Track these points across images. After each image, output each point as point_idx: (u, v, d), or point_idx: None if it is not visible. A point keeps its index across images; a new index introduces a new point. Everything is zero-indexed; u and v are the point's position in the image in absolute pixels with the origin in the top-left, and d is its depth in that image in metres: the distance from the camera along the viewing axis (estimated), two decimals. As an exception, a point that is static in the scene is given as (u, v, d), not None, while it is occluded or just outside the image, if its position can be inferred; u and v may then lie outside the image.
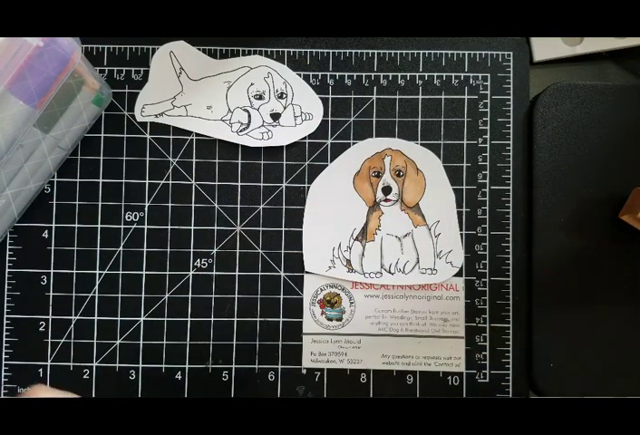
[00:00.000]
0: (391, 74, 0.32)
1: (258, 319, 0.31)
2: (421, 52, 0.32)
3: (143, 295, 0.31)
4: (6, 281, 0.31)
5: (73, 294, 0.31)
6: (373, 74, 0.32)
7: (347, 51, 0.32)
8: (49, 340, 0.31)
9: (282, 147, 0.32)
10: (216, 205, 0.32)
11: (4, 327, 0.31)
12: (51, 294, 0.31)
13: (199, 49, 0.32)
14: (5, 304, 0.31)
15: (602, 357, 0.30)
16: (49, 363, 0.31)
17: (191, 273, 0.31)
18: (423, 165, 0.32)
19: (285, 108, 0.32)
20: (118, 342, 0.31)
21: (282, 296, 0.31)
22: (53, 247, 0.31)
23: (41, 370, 0.31)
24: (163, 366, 0.31)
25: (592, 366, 0.30)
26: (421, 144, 0.32)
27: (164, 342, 0.31)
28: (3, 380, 0.31)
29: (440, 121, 0.32)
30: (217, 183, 0.32)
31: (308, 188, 0.32)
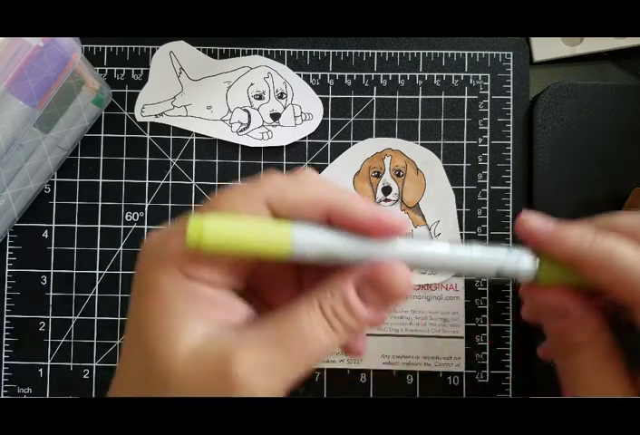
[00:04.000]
0: (391, 74, 0.32)
1: (258, 319, 0.31)
2: (421, 52, 0.32)
3: (143, 295, 0.31)
4: (6, 281, 0.31)
5: (73, 294, 0.31)
6: (372, 74, 0.32)
7: (347, 51, 0.32)
8: (49, 340, 0.31)
9: (282, 147, 0.32)
10: (216, 205, 0.32)
11: (5, 327, 0.31)
12: (51, 294, 0.31)
13: (199, 49, 0.32)
14: (5, 304, 0.31)
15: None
16: (49, 363, 0.31)
17: (191, 273, 0.31)
18: (423, 165, 0.31)
19: (285, 108, 0.32)
20: (118, 342, 0.31)
21: (282, 296, 0.31)
22: (53, 247, 0.31)
23: (41, 370, 0.31)
24: (163, 366, 0.31)
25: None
26: (421, 144, 0.32)
27: (164, 342, 0.31)
28: (3, 380, 0.31)
29: (440, 121, 0.32)
30: (217, 183, 0.32)
31: (308, 188, 0.31)
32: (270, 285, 0.21)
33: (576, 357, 0.19)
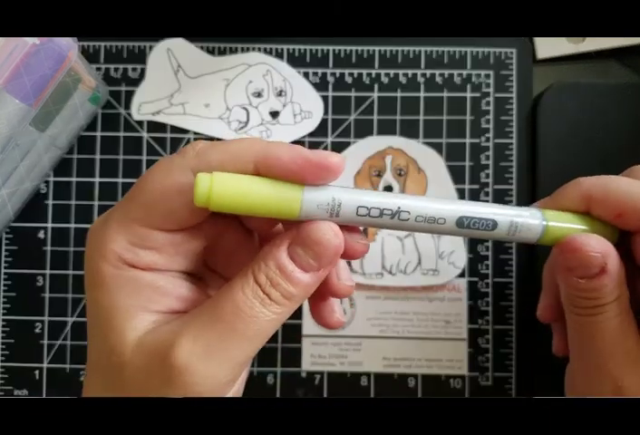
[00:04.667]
0: (392, 72, 0.31)
1: (257, 321, 0.31)
2: (422, 49, 0.31)
3: (140, 297, 0.31)
4: (2, 282, 0.31)
5: (70, 296, 0.31)
6: (373, 72, 0.31)
7: (348, 48, 0.31)
8: (45, 341, 0.31)
9: (281, 146, 0.31)
10: (214, 205, 0.31)
11: (0, 328, 0.31)
12: (47, 295, 0.31)
13: (197, 46, 0.31)
14: (1, 306, 0.31)
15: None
16: (45, 365, 0.31)
17: (189, 274, 0.31)
18: (425, 164, 0.31)
19: (284, 106, 0.31)
20: (115, 344, 0.31)
21: (281, 298, 0.31)
22: (49, 248, 0.31)
23: (37, 372, 0.30)
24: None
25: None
26: (423, 142, 0.31)
27: (162, 344, 0.31)
28: (-2, 382, 0.31)
29: (442, 120, 0.31)
30: (215, 182, 0.31)
31: (308, 187, 0.31)
32: (229, 264, 0.20)
33: (601, 315, 0.19)
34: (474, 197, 0.31)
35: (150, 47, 0.31)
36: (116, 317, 0.17)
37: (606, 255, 0.19)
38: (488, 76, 0.31)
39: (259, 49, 0.31)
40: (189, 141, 0.31)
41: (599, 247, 0.19)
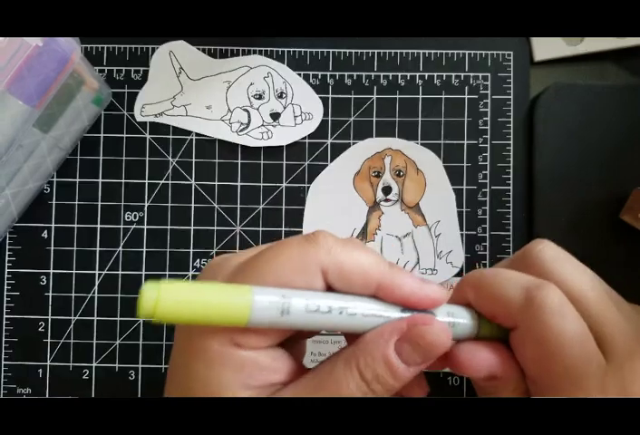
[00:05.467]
0: (391, 74, 0.32)
1: (258, 319, 0.31)
2: (421, 51, 0.32)
3: (143, 296, 0.31)
4: (6, 281, 0.31)
5: (73, 295, 0.31)
6: (373, 74, 0.32)
7: (347, 50, 0.32)
8: (48, 340, 0.31)
9: (282, 147, 0.32)
10: (215, 205, 0.32)
11: (4, 327, 0.31)
12: (50, 294, 0.31)
13: (199, 48, 0.32)
14: (5, 305, 0.31)
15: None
16: (48, 364, 0.31)
17: (191, 273, 0.31)
18: (423, 165, 0.31)
19: (284, 108, 0.31)
20: (117, 342, 0.31)
21: (282, 297, 0.31)
22: (52, 247, 0.31)
23: (40, 370, 0.31)
24: (162, 366, 0.31)
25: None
26: (422, 144, 0.31)
27: (164, 342, 0.31)
28: (2, 380, 0.31)
29: (440, 121, 0.32)
30: (216, 183, 0.32)
31: (308, 188, 0.31)
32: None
33: None
34: (472, 197, 0.31)
35: (153, 50, 0.32)
36: (216, 393, 0.17)
37: (490, 365, 0.19)
38: (485, 78, 0.32)
39: (260, 52, 0.32)
40: (191, 142, 0.32)
41: (481, 362, 0.19)
